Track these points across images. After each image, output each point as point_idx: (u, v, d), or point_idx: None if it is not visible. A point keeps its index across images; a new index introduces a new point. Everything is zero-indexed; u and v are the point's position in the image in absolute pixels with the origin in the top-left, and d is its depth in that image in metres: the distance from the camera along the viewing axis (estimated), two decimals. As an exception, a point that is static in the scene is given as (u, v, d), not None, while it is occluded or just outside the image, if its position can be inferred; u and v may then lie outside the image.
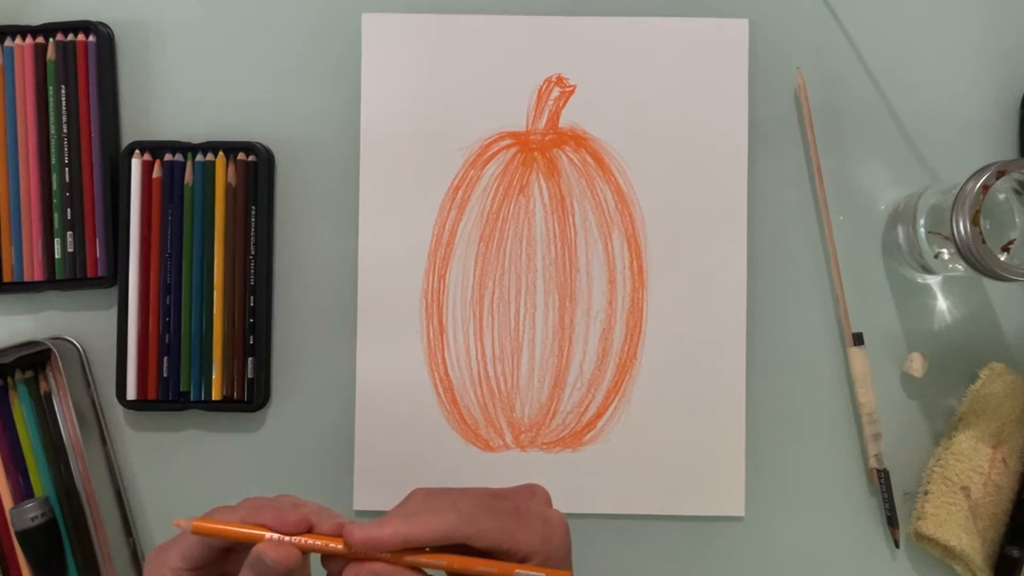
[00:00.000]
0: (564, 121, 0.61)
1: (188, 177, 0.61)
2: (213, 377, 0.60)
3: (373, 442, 0.60)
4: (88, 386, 0.61)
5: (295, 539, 0.41)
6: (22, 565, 0.59)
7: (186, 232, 0.61)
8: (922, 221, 0.57)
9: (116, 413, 0.62)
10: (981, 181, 0.51)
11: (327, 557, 0.42)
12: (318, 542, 0.42)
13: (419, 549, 0.42)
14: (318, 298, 0.62)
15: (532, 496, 0.45)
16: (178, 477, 0.61)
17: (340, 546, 0.41)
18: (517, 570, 0.42)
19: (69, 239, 0.61)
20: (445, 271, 0.61)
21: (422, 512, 0.42)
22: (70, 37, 0.61)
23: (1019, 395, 0.59)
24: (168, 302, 0.61)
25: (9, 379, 0.60)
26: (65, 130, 0.61)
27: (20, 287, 0.61)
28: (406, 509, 0.43)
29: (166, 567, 0.43)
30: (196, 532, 0.42)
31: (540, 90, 0.61)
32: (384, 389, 0.61)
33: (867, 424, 0.60)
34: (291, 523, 0.42)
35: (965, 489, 0.58)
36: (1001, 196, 0.55)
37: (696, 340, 0.61)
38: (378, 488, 0.60)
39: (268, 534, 0.41)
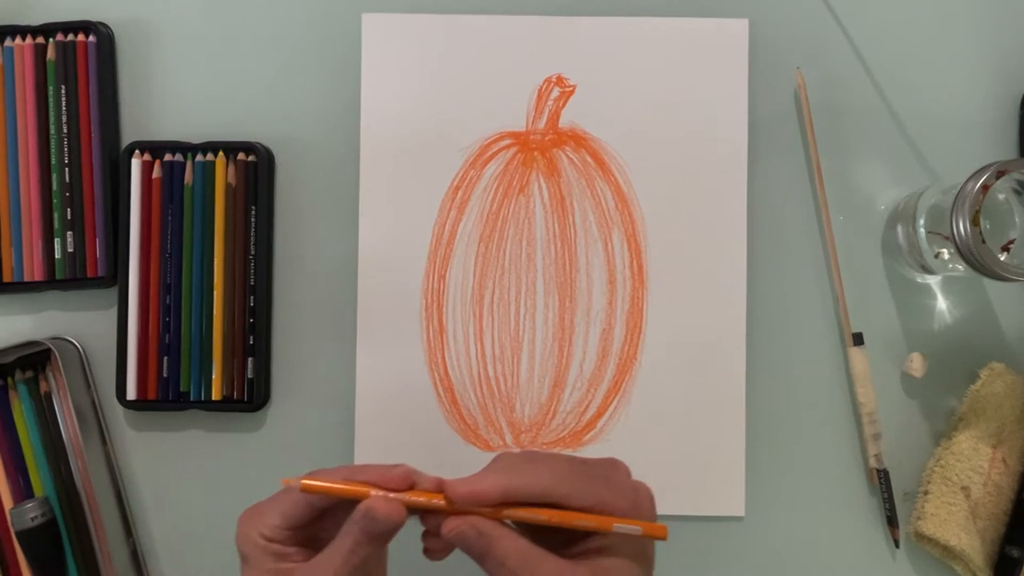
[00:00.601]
0: (564, 121, 0.61)
1: (188, 177, 0.61)
2: (213, 377, 0.60)
3: (373, 442, 0.60)
4: (88, 386, 0.61)
5: (400, 496, 0.42)
6: (22, 565, 0.59)
7: (186, 232, 0.61)
8: (922, 221, 0.57)
9: (116, 413, 0.62)
10: (981, 181, 0.51)
11: (426, 512, 0.43)
12: (421, 498, 0.42)
13: (514, 505, 0.42)
14: (318, 298, 0.62)
15: (616, 468, 0.45)
16: (178, 477, 0.61)
17: (442, 501, 0.42)
18: (615, 523, 0.42)
19: (69, 239, 0.61)
20: (445, 271, 0.61)
21: (519, 469, 0.43)
22: (70, 37, 0.61)
23: (1019, 395, 0.59)
24: (168, 302, 0.61)
25: (9, 379, 0.60)
26: (65, 130, 0.61)
27: (20, 287, 0.61)
28: (501, 466, 0.43)
29: (264, 525, 0.43)
30: (305, 490, 0.42)
31: (540, 90, 0.61)
32: (384, 389, 0.61)
33: (867, 424, 0.60)
34: (395, 479, 0.42)
35: (965, 489, 0.58)
36: (1001, 196, 0.55)
37: (696, 340, 0.61)
38: (378, 488, 0.60)
39: (374, 491, 0.42)
